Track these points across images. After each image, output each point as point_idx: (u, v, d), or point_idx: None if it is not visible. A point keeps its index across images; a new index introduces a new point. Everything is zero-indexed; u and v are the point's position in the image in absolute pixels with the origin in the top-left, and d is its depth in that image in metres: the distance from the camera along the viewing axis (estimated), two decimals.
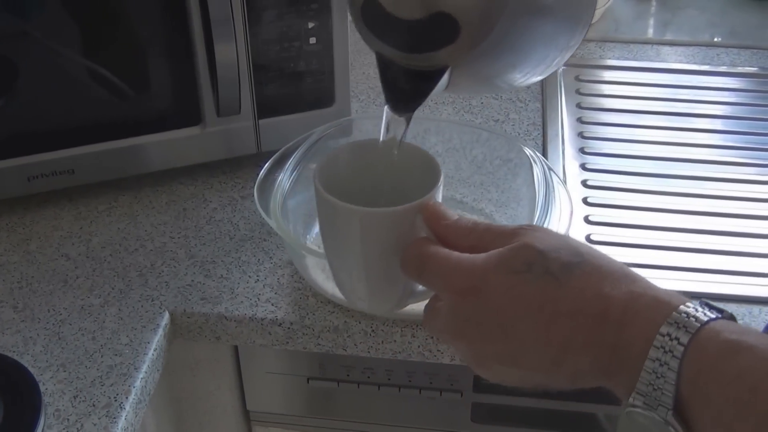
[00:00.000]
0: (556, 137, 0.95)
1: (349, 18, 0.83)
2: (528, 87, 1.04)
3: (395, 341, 0.72)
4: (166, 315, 0.73)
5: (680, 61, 1.11)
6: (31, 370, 0.67)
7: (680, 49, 1.14)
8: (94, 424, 0.64)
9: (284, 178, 0.75)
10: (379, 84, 1.05)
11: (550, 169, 0.75)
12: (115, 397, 0.66)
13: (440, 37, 0.50)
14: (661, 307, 0.44)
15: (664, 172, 0.91)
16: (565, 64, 1.05)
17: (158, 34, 0.80)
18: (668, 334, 0.43)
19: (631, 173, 0.91)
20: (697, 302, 0.44)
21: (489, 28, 0.49)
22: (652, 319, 0.44)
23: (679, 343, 0.42)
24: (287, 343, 0.74)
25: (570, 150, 0.94)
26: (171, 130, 0.84)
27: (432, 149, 0.68)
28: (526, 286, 0.47)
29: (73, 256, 0.80)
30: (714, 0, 1.23)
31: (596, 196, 0.88)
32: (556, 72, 0.57)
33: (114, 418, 0.64)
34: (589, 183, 0.90)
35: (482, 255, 0.49)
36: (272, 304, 0.74)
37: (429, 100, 0.55)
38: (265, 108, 0.85)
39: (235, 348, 0.81)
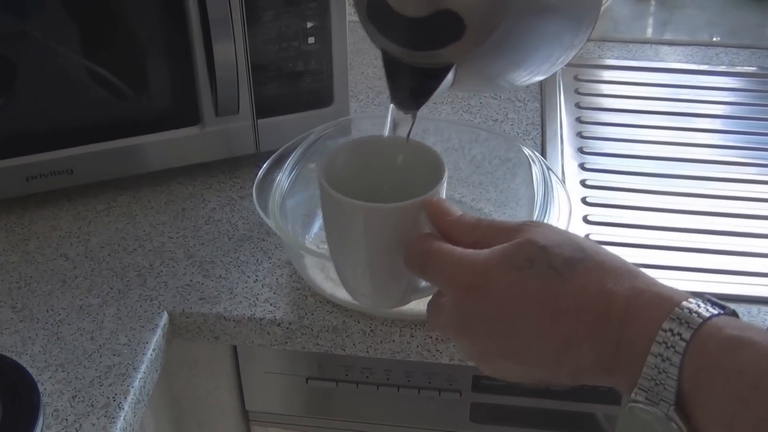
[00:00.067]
0: (554, 137, 0.95)
1: (348, 18, 0.83)
2: (528, 87, 1.05)
3: (394, 341, 0.72)
4: (165, 315, 0.73)
5: (679, 61, 1.12)
6: (30, 370, 0.67)
7: (679, 48, 1.14)
8: (93, 424, 0.64)
9: (283, 178, 0.75)
10: (377, 84, 1.07)
11: (548, 168, 0.76)
12: (113, 397, 0.66)
13: (445, 34, 0.50)
14: (663, 303, 0.44)
15: (663, 172, 0.91)
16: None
17: (157, 34, 0.80)
18: (670, 330, 0.43)
19: (630, 173, 0.91)
20: (699, 298, 0.45)
21: (493, 26, 0.49)
22: (654, 314, 0.44)
23: (681, 339, 0.43)
24: (286, 343, 0.74)
25: (569, 149, 0.94)
26: (170, 130, 0.84)
27: None
28: (529, 282, 0.47)
29: (71, 256, 0.80)
30: None
31: (595, 195, 0.88)
32: (555, 71, 0.57)
33: (112, 418, 0.64)
34: (587, 183, 0.90)
35: (485, 251, 0.49)
36: (271, 304, 0.74)
37: (429, 100, 0.55)
38: (264, 108, 0.85)
39: (234, 348, 0.81)
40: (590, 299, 0.46)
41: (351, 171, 0.57)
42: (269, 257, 0.79)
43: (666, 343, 0.43)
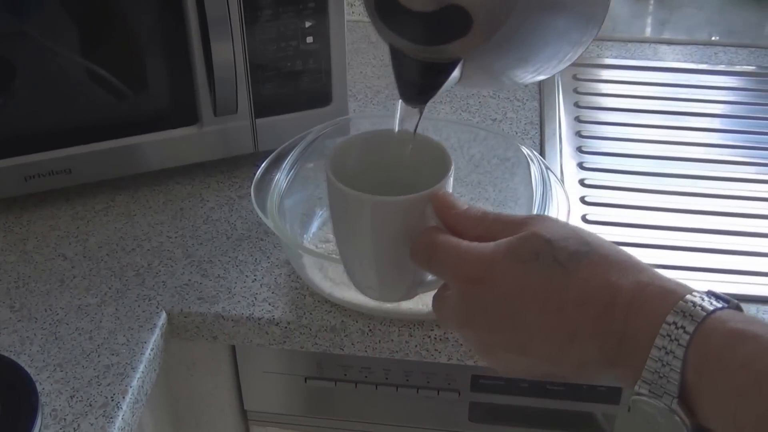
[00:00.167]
0: (553, 136, 0.95)
1: (347, 17, 0.83)
2: (527, 86, 1.05)
3: (392, 341, 0.72)
4: (163, 315, 0.73)
5: (678, 60, 1.12)
6: (28, 369, 0.67)
7: (678, 47, 1.14)
8: (91, 424, 0.64)
9: (281, 178, 0.75)
10: (376, 83, 1.07)
11: (547, 168, 0.76)
12: (112, 397, 0.66)
13: (453, 29, 0.50)
14: (667, 297, 0.44)
15: (662, 171, 0.91)
16: None
17: (155, 33, 0.80)
18: (674, 323, 0.43)
19: (628, 172, 0.91)
20: (703, 292, 0.45)
21: (501, 22, 0.49)
22: (658, 308, 0.44)
23: (685, 332, 0.43)
24: (284, 342, 0.74)
25: (567, 149, 0.94)
26: (168, 129, 0.84)
27: None
28: (534, 275, 0.47)
29: (70, 256, 0.80)
30: None
31: (594, 195, 0.88)
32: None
33: (111, 417, 0.64)
34: (586, 182, 0.89)
35: (491, 244, 0.49)
36: (269, 304, 0.74)
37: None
38: (262, 107, 0.85)
39: (233, 348, 0.81)
40: (595, 293, 0.46)
41: (358, 164, 0.58)
42: (268, 257, 0.79)
43: (670, 336, 0.43)
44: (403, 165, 0.59)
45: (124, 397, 0.66)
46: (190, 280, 0.77)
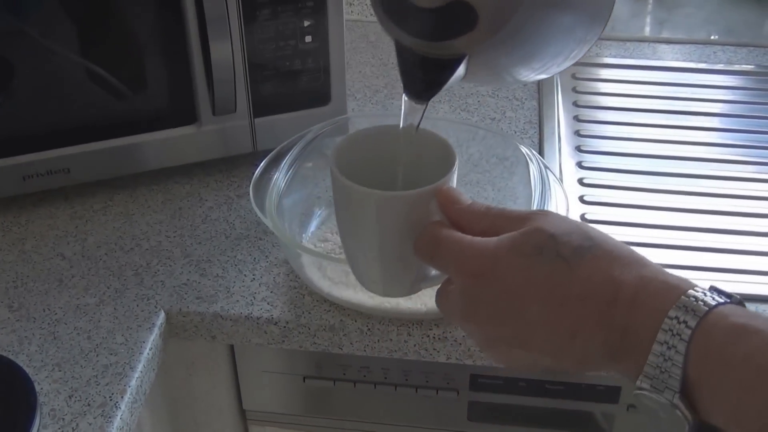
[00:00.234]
0: (552, 135, 0.95)
1: (345, 16, 0.83)
2: (526, 85, 1.04)
3: (391, 340, 0.72)
4: (162, 314, 0.73)
5: (677, 59, 1.11)
6: (27, 369, 0.67)
7: (677, 47, 1.14)
8: (90, 424, 0.64)
9: (280, 177, 0.75)
10: (374, 82, 1.07)
11: (546, 167, 0.75)
12: (110, 397, 0.66)
13: (458, 25, 0.50)
14: (670, 292, 0.45)
15: (661, 170, 0.91)
16: None
17: (154, 32, 0.80)
18: (676, 318, 0.43)
19: (627, 171, 0.91)
20: (706, 287, 0.45)
21: (506, 17, 0.49)
22: (661, 303, 0.44)
23: (687, 327, 0.43)
24: (283, 342, 0.74)
25: (566, 148, 0.94)
26: (167, 129, 0.84)
27: None
28: (537, 270, 0.47)
29: (68, 256, 0.79)
30: None
31: (592, 194, 0.88)
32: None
33: (109, 417, 0.64)
34: (585, 181, 0.89)
35: (494, 239, 0.49)
36: (268, 303, 0.74)
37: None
38: (261, 107, 0.85)
39: (231, 347, 0.81)
40: (598, 287, 0.46)
41: (362, 160, 0.58)
42: (266, 256, 0.79)
43: (672, 331, 0.43)
44: (407, 160, 0.59)
45: (122, 397, 0.66)
46: (188, 279, 0.77)
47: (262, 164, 0.77)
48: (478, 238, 0.50)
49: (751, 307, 0.73)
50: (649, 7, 1.23)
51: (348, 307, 0.73)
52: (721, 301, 0.44)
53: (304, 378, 0.81)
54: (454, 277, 0.51)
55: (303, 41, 0.82)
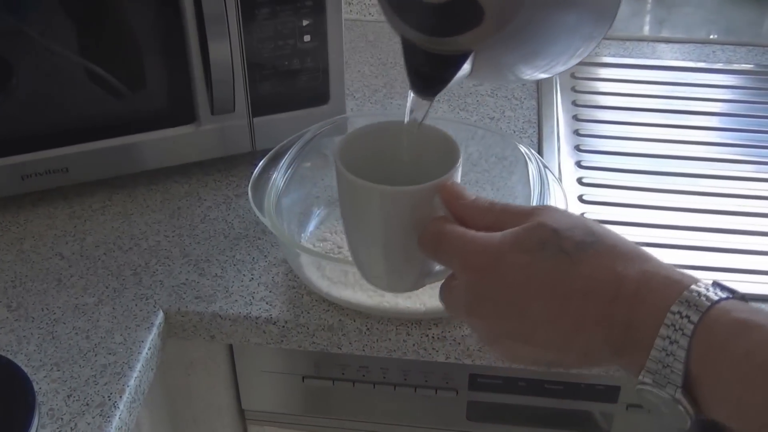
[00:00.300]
0: (551, 135, 0.95)
1: (344, 16, 0.83)
2: (525, 84, 1.04)
3: (390, 340, 0.72)
4: (161, 314, 0.73)
5: (676, 59, 1.11)
6: (25, 369, 0.67)
7: (676, 46, 1.14)
8: (88, 423, 0.64)
9: (278, 177, 0.75)
10: (373, 82, 1.06)
11: (545, 166, 0.75)
12: (109, 396, 0.66)
13: (464, 21, 0.50)
14: (672, 286, 0.45)
15: (660, 170, 0.91)
16: None
17: (152, 32, 0.80)
18: (679, 313, 0.43)
19: (626, 171, 0.91)
20: (708, 282, 0.45)
21: (512, 14, 0.49)
22: (663, 297, 0.44)
23: (689, 321, 0.43)
24: (282, 341, 0.74)
25: (565, 147, 0.94)
26: (165, 128, 0.84)
27: None
28: (540, 265, 0.47)
29: (67, 255, 0.79)
30: None
31: (591, 193, 0.88)
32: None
33: (108, 417, 0.64)
34: (584, 180, 0.89)
35: (498, 234, 0.50)
36: (267, 303, 0.74)
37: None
38: (260, 106, 0.84)
39: (230, 347, 0.81)
40: (600, 282, 0.47)
41: (367, 155, 0.58)
42: (265, 256, 0.79)
43: (674, 326, 0.43)
44: (412, 156, 0.59)
45: (121, 397, 0.66)
46: (187, 279, 0.76)
47: (260, 164, 0.77)
48: (482, 233, 0.50)
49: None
50: (649, 6, 1.23)
51: (347, 307, 0.73)
52: (724, 296, 0.44)
53: (303, 378, 0.81)
54: (458, 272, 0.51)
55: (302, 40, 0.82)
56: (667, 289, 0.45)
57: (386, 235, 0.55)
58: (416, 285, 0.59)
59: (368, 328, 0.72)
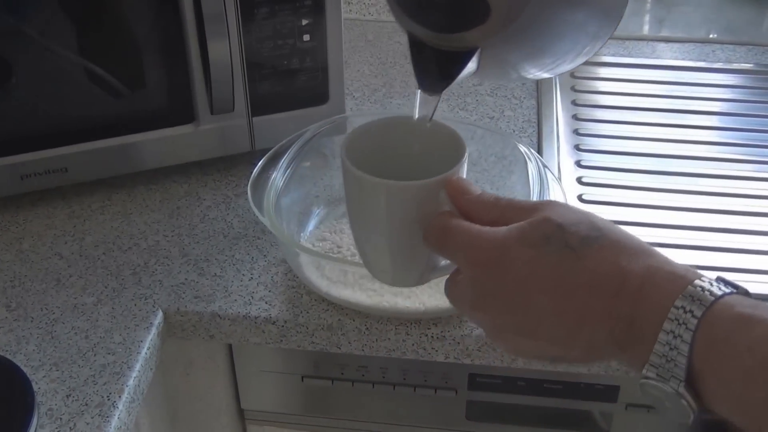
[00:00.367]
0: (551, 134, 0.95)
1: (344, 15, 0.83)
2: (524, 84, 1.04)
3: (389, 339, 0.72)
4: (160, 313, 0.73)
5: (676, 58, 1.11)
6: (24, 369, 0.67)
7: (676, 45, 1.14)
8: (87, 423, 0.64)
9: (278, 176, 0.75)
10: (373, 81, 1.06)
11: (545, 166, 0.75)
12: (108, 396, 0.66)
13: (470, 17, 0.50)
14: (677, 281, 0.45)
15: (660, 169, 0.91)
16: None
17: (152, 31, 0.80)
18: (682, 307, 0.44)
19: (626, 170, 0.91)
20: (712, 277, 0.45)
21: (518, 10, 0.49)
22: (667, 292, 0.45)
23: (693, 316, 0.43)
24: (281, 341, 0.74)
25: (565, 147, 0.94)
26: (164, 128, 0.84)
27: None
28: (545, 260, 0.48)
29: (66, 255, 0.79)
30: None
31: (591, 193, 0.88)
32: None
33: (107, 417, 0.64)
34: (584, 180, 0.89)
35: (503, 228, 0.50)
36: (266, 303, 0.74)
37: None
38: (259, 106, 0.84)
39: (229, 346, 0.81)
40: (605, 277, 0.47)
41: (372, 150, 0.58)
42: (264, 255, 0.79)
43: (678, 320, 0.44)
44: (417, 151, 0.59)
45: (120, 397, 0.66)
46: (186, 278, 0.76)
47: (260, 163, 0.77)
48: (487, 228, 0.50)
49: None
50: (648, 5, 1.23)
51: (346, 307, 0.73)
52: (727, 291, 0.44)
53: (302, 377, 0.81)
54: (463, 266, 0.52)
55: (301, 40, 0.82)
56: (671, 284, 0.45)
57: (392, 230, 0.56)
58: (421, 280, 0.59)
59: (367, 328, 0.72)
